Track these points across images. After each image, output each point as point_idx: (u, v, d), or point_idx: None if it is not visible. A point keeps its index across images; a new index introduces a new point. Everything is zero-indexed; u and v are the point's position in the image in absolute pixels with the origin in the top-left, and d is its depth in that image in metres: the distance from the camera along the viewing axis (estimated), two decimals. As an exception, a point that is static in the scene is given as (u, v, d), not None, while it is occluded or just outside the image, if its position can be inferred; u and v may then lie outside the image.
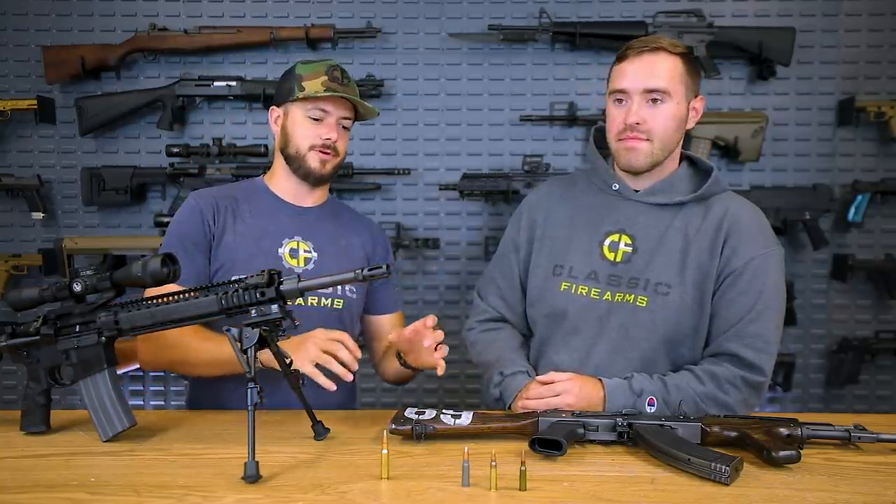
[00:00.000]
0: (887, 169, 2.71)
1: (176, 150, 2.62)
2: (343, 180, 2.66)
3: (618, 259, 1.58)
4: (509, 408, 1.55)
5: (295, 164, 1.70)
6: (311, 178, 1.70)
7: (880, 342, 2.70)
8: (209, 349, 1.54)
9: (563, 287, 1.61)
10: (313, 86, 1.65)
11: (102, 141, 2.74)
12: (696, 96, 1.60)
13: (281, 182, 1.75)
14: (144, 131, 2.74)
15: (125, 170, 2.67)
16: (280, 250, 1.69)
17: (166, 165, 2.65)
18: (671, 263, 1.54)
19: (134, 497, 1.08)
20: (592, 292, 1.58)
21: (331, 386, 1.39)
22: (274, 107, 1.74)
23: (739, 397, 1.50)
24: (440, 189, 2.70)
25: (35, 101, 2.63)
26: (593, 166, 1.70)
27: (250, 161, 2.62)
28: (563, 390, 1.46)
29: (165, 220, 2.55)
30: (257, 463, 1.13)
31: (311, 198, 1.76)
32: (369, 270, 1.20)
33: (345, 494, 1.09)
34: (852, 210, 2.67)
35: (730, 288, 1.52)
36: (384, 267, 1.20)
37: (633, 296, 1.55)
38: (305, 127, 1.67)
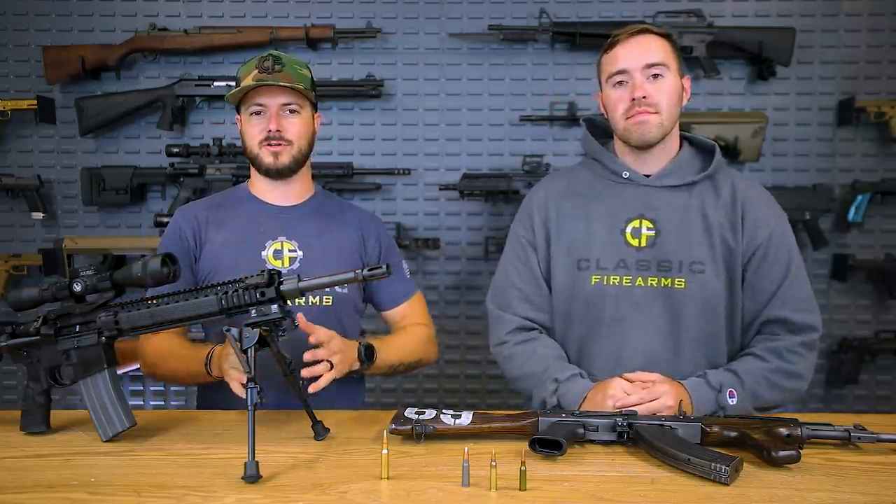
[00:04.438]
0: (887, 169, 2.71)
1: (176, 150, 2.62)
2: (343, 180, 2.66)
3: (642, 244, 1.60)
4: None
5: (255, 164, 1.71)
6: (272, 174, 1.69)
7: (880, 342, 2.70)
8: (180, 366, 1.61)
9: (593, 280, 1.61)
10: (246, 82, 1.63)
11: (102, 141, 2.74)
12: (683, 77, 1.63)
13: (257, 185, 1.76)
14: (144, 131, 2.75)
15: (125, 170, 2.68)
16: (263, 253, 1.68)
17: (166, 165, 2.66)
18: (699, 242, 1.58)
19: (134, 497, 1.08)
20: (624, 280, 1.60)
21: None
22: (237, 115, 1.74)
23: (804, 363, 1.55)
24: (440, 189, 2.70)
25: (35, 101, 2.64)
26: (593, 157, 1.70)
27: (250, 161, 2.63)
28: (664, 392, 1.45)
29: (165, 220, 2.55)
30: (257, 463, 1.13)
31: (290, 195, 1.75)
32: (369, 270, 1.20)
33: (345, 494, 1.09)
34: (852, 210, 2.67)
35: (762, 260, 1.58)
36: (384, 267, 1.19)
37: (669, 279, 1.57)
38: (251, 125, 1.67)
